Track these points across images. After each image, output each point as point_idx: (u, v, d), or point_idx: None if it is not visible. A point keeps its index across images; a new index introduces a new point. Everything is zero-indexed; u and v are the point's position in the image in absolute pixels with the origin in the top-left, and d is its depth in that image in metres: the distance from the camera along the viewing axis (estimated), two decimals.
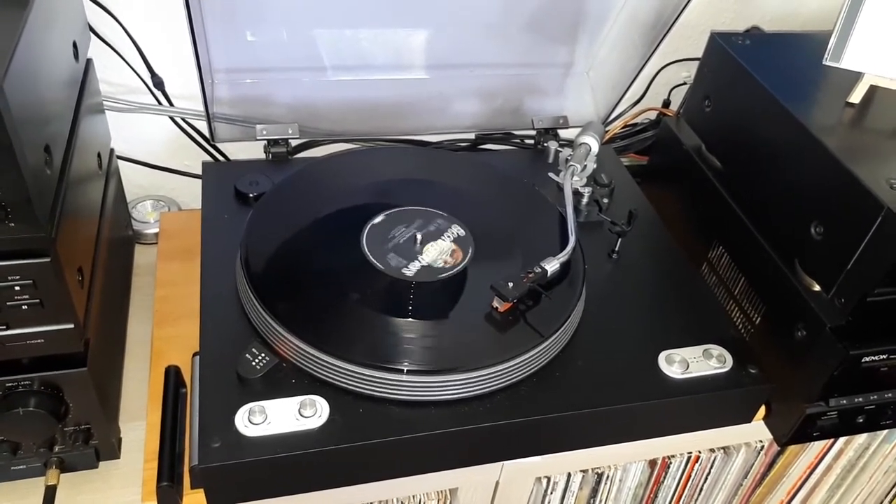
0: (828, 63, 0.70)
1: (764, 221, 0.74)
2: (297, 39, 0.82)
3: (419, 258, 0.68)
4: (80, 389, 0.57)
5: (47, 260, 0.49)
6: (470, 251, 0.70)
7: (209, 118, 0.79)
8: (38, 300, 0.51)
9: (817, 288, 0.67)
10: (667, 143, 0.90)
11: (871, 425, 0.73)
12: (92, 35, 0.77)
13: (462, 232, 0.72)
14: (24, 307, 0.51)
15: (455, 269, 0.68)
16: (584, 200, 0.81)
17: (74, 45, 0.65)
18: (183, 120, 0.90)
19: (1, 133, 0.43)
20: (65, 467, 0.61)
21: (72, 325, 0.54)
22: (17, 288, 0.50)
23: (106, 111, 0.79)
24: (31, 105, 0.50)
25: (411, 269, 0.67)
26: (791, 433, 0.70)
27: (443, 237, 0.71)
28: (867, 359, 0.65)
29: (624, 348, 0.67)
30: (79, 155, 0.61)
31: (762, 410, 0.71)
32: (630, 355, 0.66)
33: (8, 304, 0.51)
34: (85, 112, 0.66)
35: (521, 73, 0.92)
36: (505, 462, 0.68)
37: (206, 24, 0.76)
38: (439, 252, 0.69)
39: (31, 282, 0.50)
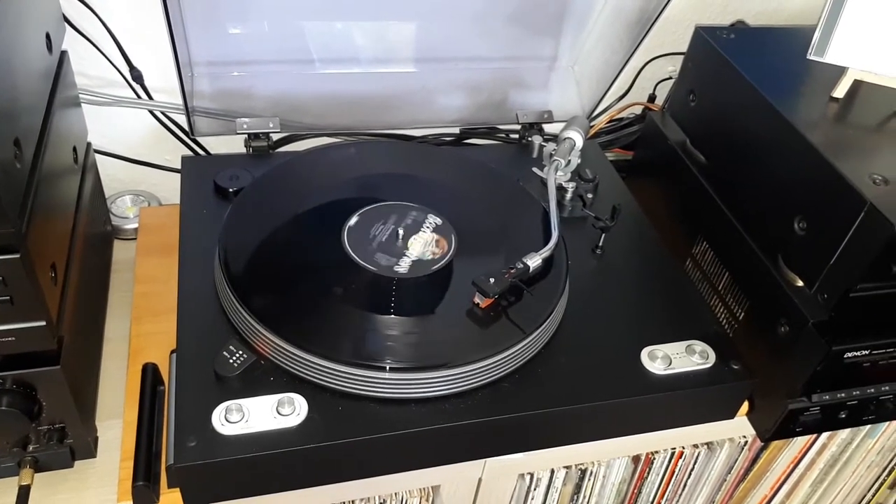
0: (812, 58, 0.69)
1: (748, 217, 0.74)
2: (279, 32, 0.81)
3: (405, 253, 0.67)
4: (53, 388, 0.56)
5: (17, 256, 0.48)
6: (454, 243, 0.69)
7: (188, 112, 0.78)
8: (7, 297, 0.50)
9: (800, 283, 0.67)
10: (652, 137, 0.90)
11: (854, 421, 0.73)
12: (67, 27, 0.76)
13: (443, 225, 0.71)
14: None
15: (439, 265, 0.67)
16: (569, 195, 0.80)
17: (48, 36, 0.63)
18: (162, 113, 0.88)
19: None
20: (39, 467, 0.60)
21: (43, 323, 0.52)
22: None
23: (83, 104, 0.77)
24: None
25: (395, 265, 0.66)
26: (774, 429, 0.70)
27: (423, 229, 0.70)
28: (849, 354, 0.65)
29: (607, 344, 0.66)
30: (52, 149, 0.60)
31: (745, 406, 0.71)
32: (613, 351, 0.66)
33: None
34: (59, 105, 0.64)
35: (505, 67, 0.92)
36: (487, 459, 0.68)
37: (185, 16, 0.75)
38: (424, 244, 0.68)
39: (0, 278, 0.49)
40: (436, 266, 0.67)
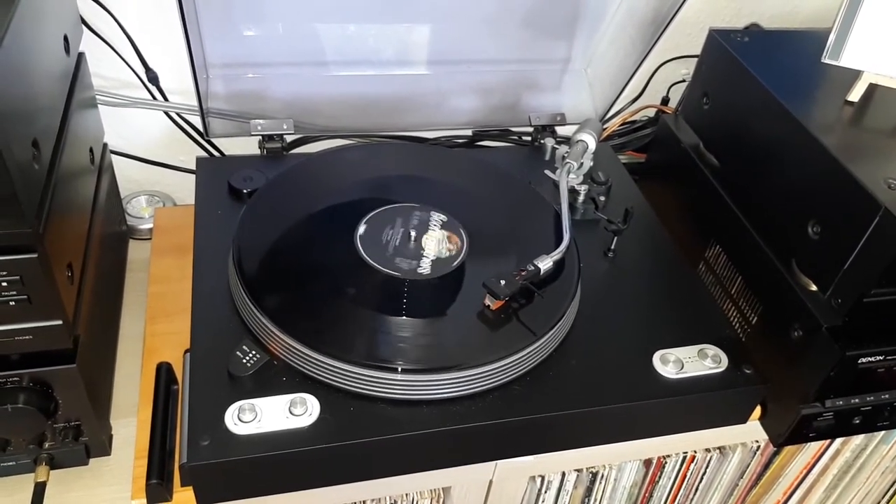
0: (827, 61, 0.69)
1: (761, 220, 0.73)
2: (293, 34, 0.82)
3: (417, 255, 0.67)
4: (69, 386, 0.57)
5: (34, 256, 0.49)
6: (465, 245, 0.69)
7: (203, 113, 0.78)
8: (25, 296, 0.51)
9: (814, 288, 0.66)
10: (665, 140, 0.90)
11: (868, 426, 0.73)
12: (85, 28, 0.77)
13: (454, 226, 0.71)
14: (11, 303, 0.51)
15: (450, 267, 0.67)
16: (581, 198, 0.80)
17: (66, 38, 0.64)
18: (178, 115, 0.89)
19: None
20: (55, 464, 0.61)
21: (60, 322, 0.53)
22: (3, 284, 0.50)
23: (99, 106, 0.78)
24: (18, 99, 0.49)
25: (408, 267, 0.66)
26: (786, 434, 0.70)
27: (435, 230, 0.70)
28: (863, 360, 0.64)
29: (618, 348, 0.66)
30: (69, 149, 0.61)
31: (758, 410, 0.71)
32: (624, 355, 0.65)
33: None
34: (76, 106, 0.65)
35: (518, 69, 0.92)
36: (498, 461, 0.68)
37: (201, 18, 0.75)
38: (437, 246, 0.68)
39: (17, 278, 0.49)
40: (447, 268, 0.67)
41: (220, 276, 0.67)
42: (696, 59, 0.84)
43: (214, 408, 0.56)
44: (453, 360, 0.59)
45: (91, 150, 0.71)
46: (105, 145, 0.79)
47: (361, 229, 0.69)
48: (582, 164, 0.80)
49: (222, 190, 0.76)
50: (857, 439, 0.88)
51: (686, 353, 0.66)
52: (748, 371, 0.65)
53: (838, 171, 0.62)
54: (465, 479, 0.71)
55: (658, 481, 0.82)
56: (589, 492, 0.80)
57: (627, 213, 0.74)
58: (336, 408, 0.58)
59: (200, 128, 0.85)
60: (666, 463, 0.80)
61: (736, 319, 0.76)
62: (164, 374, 0.64)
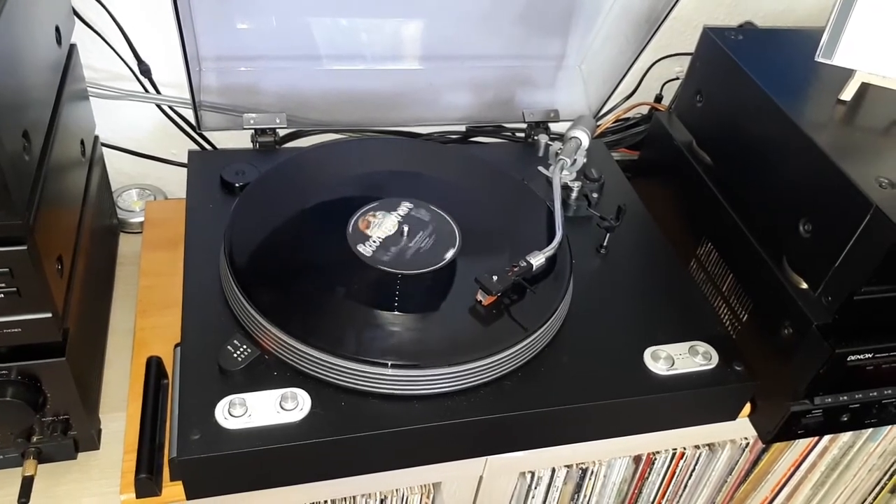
0: (820, 60, 0.69)
1: (753, 218, 0.73)
2: (287, 28, 0.81)
3: (409, 249, 0.67)
4: (58, 379, 0.56)
5: (24, 248, 0.49)
6: (458, 240, 0.69)
7: (195, 106, 0.78)
8: (14, 289, 0.50)
9: (804, 286, 0.67)
10: (658, 138, 0.90)
11: (856, 424, 0.73)
12: (76, 20, 0.76)
13: (447, 222, 0.71)
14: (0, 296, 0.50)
15: (443, 262, 0.67)
16: (574, 195, 0.80)
17: (57, 29, 0.63)
18: (170, 108, 0.89)
19: None
20: (43, 458, 0.60)
21: (49, 315, 0.53)
22: None
23: (91, 98, 0.78)
24: (9, 90, 0.49)
25: (399, 262, 0.66)
26: (776, 431, 0.70)
27: (427, 226, 0.70)
28: (853, 357, 0.65)
29: (610, 344, 0.66)
30: (60, 142, 0.60)
31: (747, 407, 0.71)
32: (616, 351, 0.66)
33: None
34: (67, 98, 0.65)
35: (512, 66, 0.92)
36: (489, 457, 0.68)
37: (194, 11, 0.75)
38: (428, 241, 0.68)
39: (7, 270, 0.49)
40: (440, 263, 0.67)
41: (211, 270, 0.66)
42: (689, 57, 0.84)
43: (205, 402, 0.56)
44: (444, 355, 0.59)
45: (82, 143, 0.70)
46: (96, 138, 0.78)
47: (353, 223, 0.69)
48: (575, 160, 0.80)
49: (214, 184, 0.76)
50: (845, 437, 0.88)
51: (677, 349, 0.66)
52: (738, 368, 0.66)
53: (830, 170, 0.62)
54: (455, 474, 0.71)
55: (647, 478, 0.83)
56: (578, 488, 0.80)
57: (620, 210, 0.74)
58: (327, 403, 0.58)
59: (193, 121, 0.84)
60: (655, 459, 0.80)
61: (727, 317, 0.76)
62: (154, 368, 0.64)
